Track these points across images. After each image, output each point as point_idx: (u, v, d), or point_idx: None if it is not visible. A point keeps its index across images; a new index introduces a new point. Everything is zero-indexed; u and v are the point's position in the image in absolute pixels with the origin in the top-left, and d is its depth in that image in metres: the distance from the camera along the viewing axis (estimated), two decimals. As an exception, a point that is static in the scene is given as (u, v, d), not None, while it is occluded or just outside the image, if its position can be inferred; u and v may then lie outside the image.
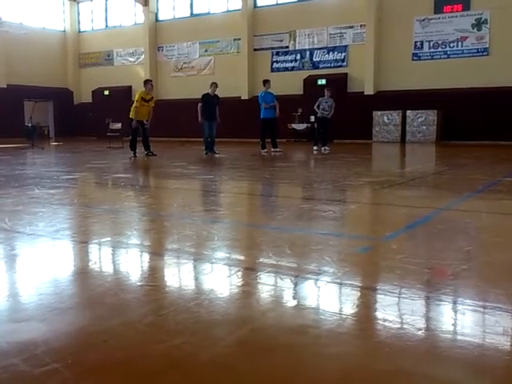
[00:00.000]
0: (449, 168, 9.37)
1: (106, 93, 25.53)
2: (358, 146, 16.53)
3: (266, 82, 13.49)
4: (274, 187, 7.30)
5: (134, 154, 12.04)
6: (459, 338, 2.00)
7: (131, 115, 12.05)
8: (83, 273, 2.90)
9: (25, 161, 12.24)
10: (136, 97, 12.19)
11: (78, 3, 27.24)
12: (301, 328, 2.06)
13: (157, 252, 3.45)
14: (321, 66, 20.77)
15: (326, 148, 13.32)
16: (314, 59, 20.91)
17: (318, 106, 13.26)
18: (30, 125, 19.59)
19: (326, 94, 13.33)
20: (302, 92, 20.29)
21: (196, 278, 2.84)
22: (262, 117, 13.24)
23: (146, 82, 12.53)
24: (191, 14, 23.77)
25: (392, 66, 19.16)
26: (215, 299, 2.40)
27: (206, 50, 23.45)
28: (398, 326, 2.10)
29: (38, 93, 23.70)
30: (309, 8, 20.54)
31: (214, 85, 12.92)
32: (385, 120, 18.55)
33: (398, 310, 2.27)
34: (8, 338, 1.96)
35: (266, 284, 2.68)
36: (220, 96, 13.12)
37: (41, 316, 2.19)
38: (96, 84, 26.11)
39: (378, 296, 2.49)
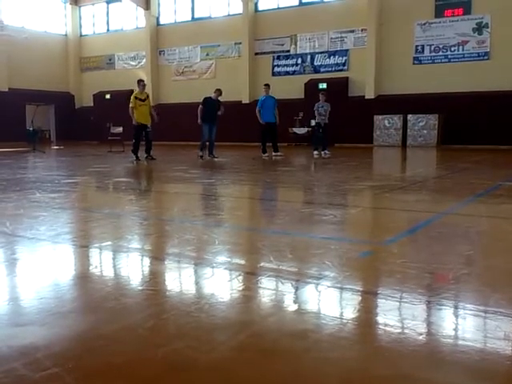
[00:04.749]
0: (450, 172, 9.36)
1: (108, 97, 25.54)
2: (358, 150, 16.52)
3: (265, 87, 13.56)
4: (274, 191, 7.29)
5: (137, 157, 12.06)
6: (460, 342, 2.00)
7: (135, 118, 12.10)
8: (84, 277, 2.90)
9: (26, 165, 12.25)
10: (131, 99, 12.34)
11: (79, 7, 27.31)
12: (301, 332, 2.06)
13: (157, 256, 3.45)
14: (322, 70, 20.79)
15: (327, 152, 13.32)
16: (315, 63, 20.93)
17: (316, 112, 13.32)
18: (31, 129, 19.61)
19: (321, 98, 13.35)
20: (303, 96, 20.29)
21: (197, 283, 2.84)
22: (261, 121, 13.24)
23: (138, 82, 12.74)
24: (192, 18, 23.82)
25: (393, 70, 19.17)
26: (216, 303, 2.40)
27: (207, 54, 23.49)
28: (399, 330, 2.09)
29: (39, 96, 23.70)
30: (310, 12, 20.58)
31: (218, 91, 12.92)
32: (386, 124, 18.55)
33: (399, 315, 2.27)
34: (9, 342, 1.96)
35: (267, 288, 2.68)
36: (221, 100, 13.12)
37: (41, 320, 2.19)
38: (97, 88, 26.14)
39: (379, 300, 2.49)
